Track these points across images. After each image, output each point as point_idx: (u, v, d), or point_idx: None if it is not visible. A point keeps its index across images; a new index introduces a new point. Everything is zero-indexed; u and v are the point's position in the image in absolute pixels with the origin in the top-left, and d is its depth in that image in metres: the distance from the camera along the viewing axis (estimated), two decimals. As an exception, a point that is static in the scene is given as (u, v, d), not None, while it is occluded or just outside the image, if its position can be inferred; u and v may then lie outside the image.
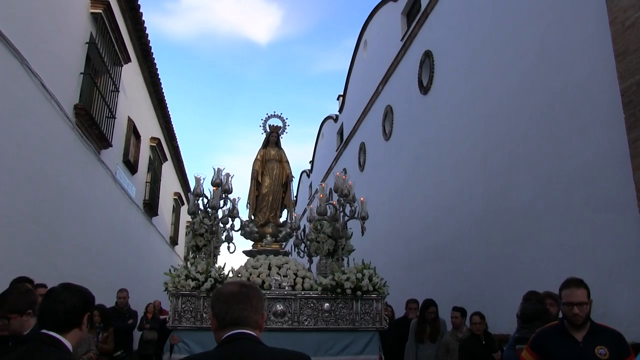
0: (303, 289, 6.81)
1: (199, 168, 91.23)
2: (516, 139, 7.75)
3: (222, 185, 7.18)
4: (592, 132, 6.05)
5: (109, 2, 9.75)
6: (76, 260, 9.14)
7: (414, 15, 13.05)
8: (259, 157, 8.55)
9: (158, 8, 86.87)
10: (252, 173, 8.43)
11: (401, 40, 13.57)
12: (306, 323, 6.58)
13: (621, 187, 5.40)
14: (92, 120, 9.34)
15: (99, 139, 10.03)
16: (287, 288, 6.72)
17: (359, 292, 6.60)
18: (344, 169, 18.37)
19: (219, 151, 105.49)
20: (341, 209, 7.40)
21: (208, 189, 7.21)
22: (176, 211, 22.95)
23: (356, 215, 7.18)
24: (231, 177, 7.31)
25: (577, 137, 6.32)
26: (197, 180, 7.14)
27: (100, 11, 9.52)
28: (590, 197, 6.01)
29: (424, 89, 11.70)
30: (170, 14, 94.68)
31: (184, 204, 23.70)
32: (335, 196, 7.53)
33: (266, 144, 8.68)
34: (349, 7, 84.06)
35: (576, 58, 6.42)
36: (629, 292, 5.20)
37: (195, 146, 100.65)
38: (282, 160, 8.59)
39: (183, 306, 6.38)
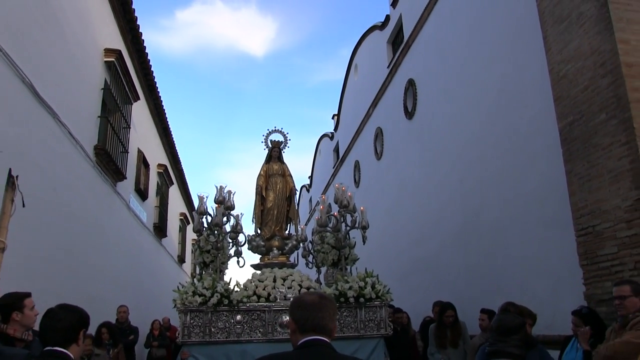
0: (308, 300, 7.13)
1: (200, 183, 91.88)
2: (485, 163, 8.84)
3: (224, 203, 7.39)
4: (541, 161, 7.13)
5: (120, 51, 10.87)
6: (98, 283, 10.16)
7: (399, 44, 14.16)
8: (262, 172, 8.73)
9: (154, 25, 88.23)
10: (257, 188, 8.60)
11: (387, 67, 14.67)
12: (312, 333, 7.11)
13: (563, 209, 6.47)
14: (109, 157, 10.42)
15: (115, 173, 11.11)
16: (292, 299, 6.91)
17: (362, 300, 6.77)
18: (340, 183, 19.42)
19: (219, 166, 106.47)
20: (342, 220, 7.57)
21: (211, 206, 7.47)
22: (182, 230, 24.02)
23: (357, 225, 7.35)
24: (233, 194, 7.52)
25: (530, 165, 7.42)
26: (201, 198, 7.40)
27: (113, 59, 10.63)
28: (541, 216, 7.10)
29: (409, 114, 12.80)
30: (166, 31, 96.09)
31: (189, 223, 24.76)
32: (336, 207, 7.72)
33: (269, 159, 8.87)
34: (343, 18, 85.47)
35: (528, 98, 7.52)
36: (570, 295, 6.25)
37: (196, 161, 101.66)
38: (285, 174, 8.75)
39: (192, 321, 6.61)
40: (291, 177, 8.83)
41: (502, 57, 8.36)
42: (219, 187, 7.44)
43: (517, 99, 7.82)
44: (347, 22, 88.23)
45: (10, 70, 6.31)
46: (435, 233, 10.93)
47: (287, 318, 6.29)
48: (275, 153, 8.84)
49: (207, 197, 7.41)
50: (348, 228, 7.54)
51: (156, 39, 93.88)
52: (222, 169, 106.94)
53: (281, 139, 8.94)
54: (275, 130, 8.90)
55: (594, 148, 5.79)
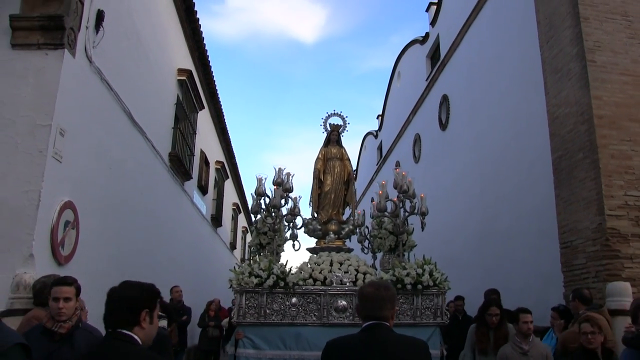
0: (364, 285, 7.09)
1: (248, 167, 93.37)
2: (501, 180, 10.29)
3: (283, 185, 7.34)
4: (542, 184, 8.57)
5: (191, 71, 12.64)
6: (167, 269, 11.97)
7: (436, 60, 15.57)
8: (320, 155, 8.62)
9: (205, 10, 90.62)
10: (314, 172, 8.50)
11: (426, 80, 16.12)
12: (367, 318, 7.21)
13: (554, 225, 7.92)
14: (180, 162, 12.21)
15: (184, 175, 12.92)
16: (348, 284, 6.80)
17: (419, 287, 6.64)
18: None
19: (266, 150, 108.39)
20: (401, 205, 7.43)
21: (270, 188, 7.44)
22: (234, 219, 25.91)
23: (416, 211, 7.36)
24: (292, 177, 7.46)
25: (534, 185, 8.87)
26: (259, 180, 7.36)
27: (185, 78, 12.39)
28: (540, 228, 8.57)
29: (443, 126, 14.25)
30: (217, 16, 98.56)
31: (240, 212, 26.72)
32: (392, 192, 7.61)
33: (327, 142, 8.74)
34: (395, 4, 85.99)
35: (535, 129, 8.93)
36: (556, 292, 7.71)
37: (243, 145, 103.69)
38: (344, 158, 8.62)
39: (247, 302, 6.55)
40: (349, 161, 8.76)
41: (517, 89, 9.77)
42: (277, 169, 7.47)
43: (527, 128, 9.25)
44: (397, 9, 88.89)
45: (117, 104, 8.10)
46: (460, 235, 12.42)
47: (343, 302, 6.65)
48: (334, 136, 8.74)
49: (265, 179, 7.42)
50: (407, 214, 7.46)
51: (208, 25, 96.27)
52: (269, 152, 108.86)
53: (340, 122, 8.81)
54: (334, 113, 8.79)
55: (574, 179, 7.25)
